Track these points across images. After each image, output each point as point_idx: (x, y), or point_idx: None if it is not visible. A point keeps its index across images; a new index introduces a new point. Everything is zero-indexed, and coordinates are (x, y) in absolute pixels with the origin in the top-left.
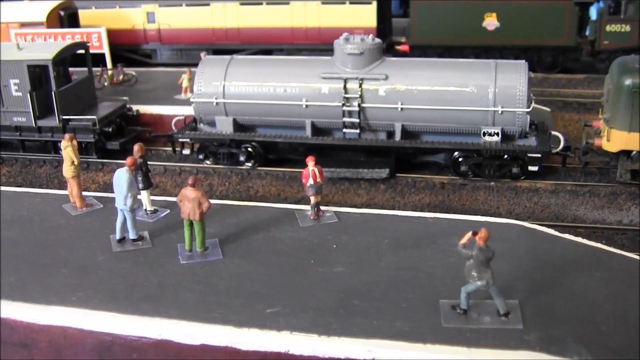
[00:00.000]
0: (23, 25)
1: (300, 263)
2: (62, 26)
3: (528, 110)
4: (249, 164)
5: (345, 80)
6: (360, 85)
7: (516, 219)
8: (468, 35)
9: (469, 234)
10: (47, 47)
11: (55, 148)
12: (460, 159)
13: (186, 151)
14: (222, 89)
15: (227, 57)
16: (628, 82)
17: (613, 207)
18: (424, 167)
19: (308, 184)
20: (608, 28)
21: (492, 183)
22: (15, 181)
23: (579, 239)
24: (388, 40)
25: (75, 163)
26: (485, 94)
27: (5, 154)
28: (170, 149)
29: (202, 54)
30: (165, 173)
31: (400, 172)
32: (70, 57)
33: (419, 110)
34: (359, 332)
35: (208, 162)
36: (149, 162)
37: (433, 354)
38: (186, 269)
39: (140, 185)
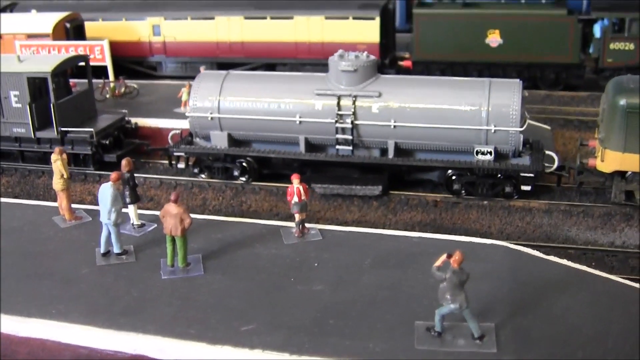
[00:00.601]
0: (29, 36)
1: (281, 280)
2: (67, 38)
3: (521, 129)
4: (243, 179)
5: (339, 97)
6: (354, 102)
7: (507, 239)
8: (471, 52)
9: (444, 257)
10: (47, 59)
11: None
12: (453, 177)
13: (181, 165)
14: (217, 104)
15: (223, 72)
16: (622, 102)
17: (606, 228)
18: (417, 184)
19: (293, 202)
20: (612, 46)
21: (485, 202)
22: (13, 191)
23: (564, 261)
24: (391, 55)
25: (65, 176)
26: (479, 112)
27: (5, 164)
28: (167, 162)
29: (202, 68)
30: (160, 186)
31: (393, 190)
32: (74, 68)
33: (412, 128)
34: (330, 352)
35: (203, 176)
36: (145, 175)
37: None
38: (167, 284)
39: (128, 200)
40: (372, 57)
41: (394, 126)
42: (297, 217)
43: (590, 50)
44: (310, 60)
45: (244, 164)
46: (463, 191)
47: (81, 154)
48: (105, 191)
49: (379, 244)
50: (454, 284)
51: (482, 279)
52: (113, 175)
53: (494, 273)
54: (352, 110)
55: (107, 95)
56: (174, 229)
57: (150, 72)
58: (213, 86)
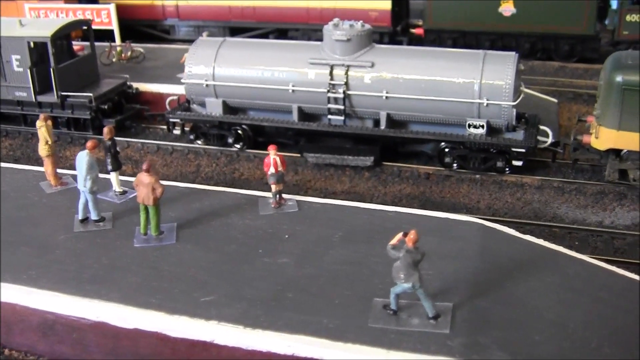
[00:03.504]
0: None
1: (249, 252)
2: (79, 1)
3: (514, 103)
4: (238, 146)
5: (332, 67)
6: (346, 72)
7: (493, 215)
8: (483, 21)
9: (400, 235)
10: (48, 24)
11: (54, 123)
12: (446, 150)
13: (177, 131)
14: (212, 71)
15: (220, 39)
16: (619, 78)
17: (597, 207)
18: (412, 156)
19: (269, 173)
20: (628, 18)
21: (478, 176)
22: (14, 154)
23: (539, 241)
24: (404, 23)
25: (49, 142)
26: (471, 85)
27: (8, 127)
28: (166, 127)
29: (204, 34)
30: (157, 151)
31: (387, 161)
32: (83, 32)
33: (404, 99)
34: (284, 326)
35: (199, 142)
36: (143, 140)
37: (351, 354)
38: (138, 252)
39: (109, 167)
40: (367, 26)
41: (386, 97)
42: (273, 188)
43: (606, 22)
44: (322, 25)
45: (239, 131)
46: (455, 164)
47: (81, 118)
48: (81, 159)
49: (353, 218)
50: (408, 263)
51: (450, 257)
52: (89, 143)
53: (464, 251)
54: (345, 80)
55: (114, 59)
56: (146, 199)
57: (164, 36)
58: (209, 53)
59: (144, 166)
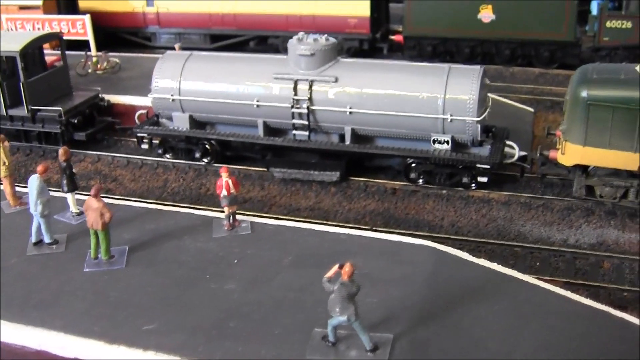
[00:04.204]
0: (21, 8)
1: (197, 277)
2: (59, 10)
3: (478, 119)
4: (205, 160)
5: (296, 82)
6: (310, 87)
7: (455, 234)
8: (463, 27)
9: (335, 267)
10: (17, 38)
11: (26, 137)
12: (412, 165)
13: (145, 146)
14: (178, 85)
15: (187, 53)
16: (584, 93)
17: (563, 224)
18: (380, 170)
19: (222, 195)
20: (608, 24)
21: (444, 191)
22: None
23: (494, 265)
24: (384, 29)
25: (7, 164)
26: (435, 100)
27: None
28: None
29: (176, 46)
30: (127, 166)
31: (354, 175)
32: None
33: (368, 115)
34: (222, 356)
35: (168, 156)
36: (113, 154)
37: None
38: (87, 277)
39: (65, 189)
40: (332, 39)
41: (350, 112)
42: (226, 210)
43: (587, 28)
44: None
45: (207, 145)
46: (420, 180)
47: (52, 132)
48: (32, 183)
49: (305, 240)
50: (343, 296)
51: (396, 283)
52: (39, 167)
53: (412, 277)
54: (308, 95)
55: (89, 70)
56: (95, 223)
57: (145, 43)
58: (175, 67)
59: (92, 191)
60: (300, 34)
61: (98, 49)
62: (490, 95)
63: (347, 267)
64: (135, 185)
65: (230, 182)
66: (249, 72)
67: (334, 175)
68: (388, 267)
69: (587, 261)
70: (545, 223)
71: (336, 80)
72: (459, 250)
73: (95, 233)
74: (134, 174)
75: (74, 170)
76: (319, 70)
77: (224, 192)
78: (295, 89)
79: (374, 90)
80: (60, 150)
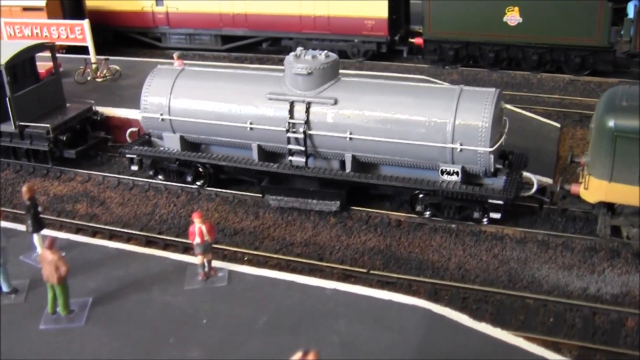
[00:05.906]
0: (25, 9)
1: (159, 340)
2: (63, 11)
3: (491, 149)
4: (198, 184)
5: (292, 103)
6: (307, 110)
7: (461, 279)
8: (487, 31)
9: (299, 354)
10: (5, 49)
11: (15, 153)
12: (420, 196)
13: (134, 167)
14: (167, 104)
15: (179, 68)
16: (611, 123)
17: (584, 268)
18: (385, 198)
19: (195, 243)
20: None
21: (454, 225)
22: None
23: (497, 331)
24: (403, 31)
25: None
26: (443, 127)
27: None
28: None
29: (175, 56)
30: (117, 187)
31: (356, 204)
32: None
33: (370, 141)
34: None
35: (160, 177)
36: (104, 174)
37: None
38: (41, 336)
39: (30, 229)
40: (332, 56)
41: (350, 138)
42: (199, 259)
43: (622, 32)
44: (315, 34)
45: (199, 168)
46: (427, 213)
47: (40, 150)
48: None
49: (285, 296)
50: None
51: (381, 354)
52: (24, 188)
53: (400, 347)
54: (305, 118)
55: (88, 78)
56: (51, 277)
57: (156, 44)
58: (165, 84)
59: (46, 243)
60: (298, 49)
61: (107, 50)
62: (512, 108)
63: (311, 356)
64: (123, 211)
65: (204, 228)
66: (241, 91)
67: (334, 205)
68: (373, 335)
69: (608, 317)
70: (564, 266)
71: (335, 102)
72: (456, 313)
73: (52, 286)
74: (124, 196)
75: (39, 209)
76: (317, 90)
77: (197, 240)
78: (291, 111)
79: (376, 113)
80: (24, 188)
